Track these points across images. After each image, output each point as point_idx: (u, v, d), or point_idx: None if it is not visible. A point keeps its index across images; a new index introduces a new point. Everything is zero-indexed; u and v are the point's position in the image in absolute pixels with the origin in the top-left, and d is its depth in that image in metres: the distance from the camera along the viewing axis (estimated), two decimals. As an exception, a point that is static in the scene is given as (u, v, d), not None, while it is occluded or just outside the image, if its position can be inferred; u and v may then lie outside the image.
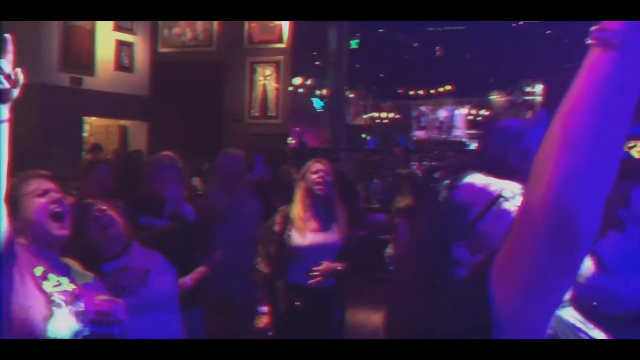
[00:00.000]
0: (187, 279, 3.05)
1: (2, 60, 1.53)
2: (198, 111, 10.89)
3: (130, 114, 10.96)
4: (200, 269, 3.16)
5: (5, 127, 1.58)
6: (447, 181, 1.39)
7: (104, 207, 2.47)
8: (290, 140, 11.58)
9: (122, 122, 11.37)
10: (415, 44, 17.57)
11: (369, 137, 19.41)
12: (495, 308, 1.06)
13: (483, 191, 1.31)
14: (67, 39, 9.79)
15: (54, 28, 9.50)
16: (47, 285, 1.72)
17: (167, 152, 3.60)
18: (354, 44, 13.23)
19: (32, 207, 1.81)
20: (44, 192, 1.84)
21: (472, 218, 1.27)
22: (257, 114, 10.87)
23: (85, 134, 10.54)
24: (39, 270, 1.74)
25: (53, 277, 1.75)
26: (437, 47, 17.89)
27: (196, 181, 7.01)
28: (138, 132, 11.35)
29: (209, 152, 8.31)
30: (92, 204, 2.47)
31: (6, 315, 1.64)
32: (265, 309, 3.26)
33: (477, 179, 1.37)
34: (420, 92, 20.33)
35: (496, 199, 1.28)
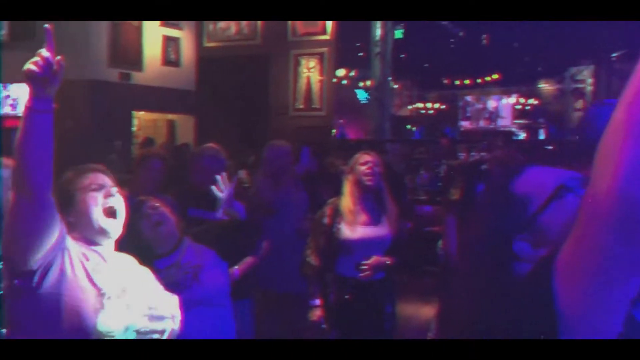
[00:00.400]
0: (235, 270, 3.07)
1: (43, 49, 1.53)
2: (243, 104, 10.96)
3: (178, 108, 11.12)
4: (248, 260, 3.17)
5: (51, 118, 1.58)
6: (499, 172, 1.35)
7: (157, 204, 2.48)
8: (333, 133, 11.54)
9: (170, 116, 11.55)
10: (461, 33, 17.25)
11: (414, 128, 19.19)
12: (561, 306, 1.01)
13: (544, 182, 1.26)
14: (116, 35, 9.99)
15: (102, 25, 9.70)
16: (99, 279, 1.73)
17: (210, 144, 3.63)
18: (398, 33, 13.06)
19: (87, 201, 1.81)
20: (99, 187, 1.83)
21: (533, 211, 1.22)
22: (301, 106, 10.88)
23: (134, 129, 10.75)
24: (91, 264, 1.76)
25: (105, 271, 1.76)
26: (484, 36, 17.52)
27: (242, 174, 7.06)
28: (185, 126, 11.52)
29: (254, 145, 8.37)
30: (145, 201, 2.49)
31: (57, 308, 1.66)
32: (317, 302, 3.24)
33: (537, 169, 1.32)
34: (467, 81, 19.97)
35: (558, 190, 1.23)
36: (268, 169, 4.22)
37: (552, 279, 1.03)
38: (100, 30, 9.74)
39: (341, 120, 13.54)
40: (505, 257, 1.23)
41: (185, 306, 1.90)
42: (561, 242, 1.06)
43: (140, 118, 11.20)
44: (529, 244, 1.20)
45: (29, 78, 1.51)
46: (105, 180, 1.87)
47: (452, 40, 17.77)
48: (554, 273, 1.03)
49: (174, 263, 2.41)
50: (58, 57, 1.54)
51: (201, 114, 11.22)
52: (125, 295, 1.73)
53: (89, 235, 1.81)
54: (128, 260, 1.94)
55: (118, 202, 1.86)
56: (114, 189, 1.87)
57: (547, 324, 1.04)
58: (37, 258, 1.64)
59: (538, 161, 1.39)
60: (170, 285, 2.07)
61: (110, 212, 1.83)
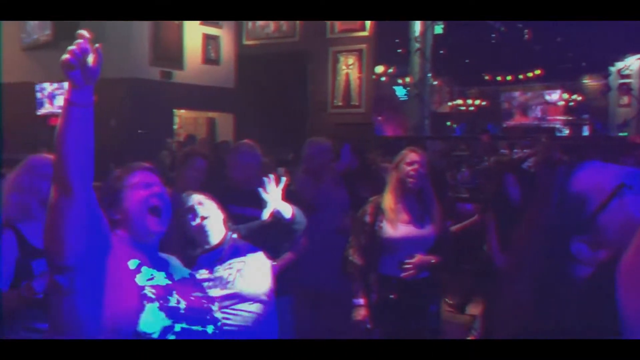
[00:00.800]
0: (273, 266, 3.06)
1: (79, 39, 1.51)
2: (282, 102, 10.98)
3: (218, 105, 11.21)
4: (287, 256, 3.15)
5: (91, 112, 1.55)
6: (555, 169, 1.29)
7: (203, 199, 2.48)
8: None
9: (210, 114, 11.66)
10: (503, 28, 16.91)
11: (454, 125, 18.94)
12: (624, 312, 0.96)
13: (602, 180, 1.19)
14: (157, 34, 10.12)
15: (144, 24, 9.84)
16: (140, 279, 1.70)
17: (245, 140, 3.65)
18: (438, 29, 12.86)
19: (132, 199, 1.79)
20: (146, 185, 1.82)
21: (591, 210, 1.16)
22: (340, 104, 10.83)
23: (175, 126, 10.88)
24: (133, 263, 1.73)
25: (147, 271, 1.73)
26: (526, 30, 17.14)
27: (281, 171, 7.05)
28: (225, 124, 11.61)
29: (293, 142, 8.37)
30: (193, 195, 2.49)
31: (97, 307, 1.64)
32: (361, 301, 3.20)
33: (594, 165, 1.25)
34: (508, 77, 19.60)
35: (618, 188, 1.16)
36: (308, 166, 4.20)
37: (615, 283, 0.97)
38: (142, 29, 9.88)
39: (379, 118, 13.45)
40: (563, 258, 1.17)
41: (227, 304, 1.88)
42: (621, 243, 1.00)
43: (181, 116, 11.33)
44: (587, 246, 1.14)
45: (66, 67, 1.49)
46: (153, 178, 1.85)
47: (493, 35, 17.44)
48: (618, 277, 0.98)
49: (219, 258, 2.40)
50: (96, 45, 1.52)
51: (240, 112, 11.29)
52: (165, 296, 1.71)
53: (133, 233, 1.79)
54: (174, 260, 1.92)
55: (164, 201, 1.83)
56: (161, 188, 1.85)
57: (609, 330, 0.98)
58: (77, 254, 1.63)
59: (584, 158, 1.32)
60: (214, 281, 2.05)
61: (156, 211, 1.80)
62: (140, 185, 1.81)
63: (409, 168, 3.22)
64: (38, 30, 10.30)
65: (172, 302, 1.71)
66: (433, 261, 3.20)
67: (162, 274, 1.77)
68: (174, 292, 1.74)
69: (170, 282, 1.75)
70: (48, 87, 10.64)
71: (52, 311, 1.72)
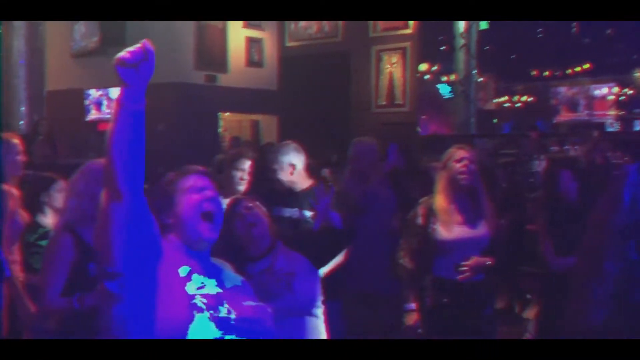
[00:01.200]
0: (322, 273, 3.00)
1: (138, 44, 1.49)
2: (325, 102, 10.95)
3: (261, 108, 11.25)
4: (335, 259, 3.09)
5: (142, 114, 1.53)
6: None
7: (251, 204, 2.42)
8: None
9: (254, 116, 11.72)
10: (549, 21, 16.49)
11: (503, 122, 18.55)
12: None
13: None
14: (201, 38, 10.22)
15: (189, 28, 9.94)
16: (191, 287, 1.65)
17: (288, 141, 3.63)
18: (483, 24, 12.61)
19: (185, 203, 1.75)
20: (199, 190, 1.78)
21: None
22: (383, 103, 10.73)
23: (220, 130, 10.98)
24: (184, 270, 1.68)
25: (198, 279, 1.67)
26: (574, 23, 16.67)
27: (325, 172, 7.02)
28: (269, 126, 11.64)
29: (336, 143, 8.30)
30: (241, 200, 2.44)
31: (147, 315, 1.60)
32: (413, 305, 3.11)
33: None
34: (556, 72, 19.08)
35: None
36: (354, 166, 4.14)
37: None
38: (186, 33, 9.99)
39: (424, 116, 13.26)
40: (628, 260, 1.09)
41: (277, 316, 1.81)
42: None
43: (226, 119, 11.42)
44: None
45: (121, 65, 1.48)
46: (206, 182, 1.81)
47: (539, 29, 17.03)
48: None
49: (267, 268, 2.33)
50: (144, 40, 1.50)
51: (284, 113, 11.30)
52: (216, 306, 1.65)
53: (185, 239, 1.75)
54: (226, 267, 1.87)
55: (217, 206, 1.78)
56: (214, 192, 1.81)
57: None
58: (127, 260, 1.60)
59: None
60: (263, 293, 1.99)
61: (208, 216, 1.76)
62: (193, 190, 1.77)
63: (458, 165, 3.12)
64: (86, 37, 10.53)
65: (223, 312, 1.65)
66: (488, 263, 3.09)
67: (213, 282, 1.70)
68: (225, 301, 1.67)
69: (221, 291, 1.69)
70: (95, 93, 10.87)
71: (101, 319, 1.70)
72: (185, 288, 1.64)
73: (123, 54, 1.48)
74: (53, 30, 9.72)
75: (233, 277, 1.83)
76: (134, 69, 1.48)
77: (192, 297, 1.63)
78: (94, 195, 2.42)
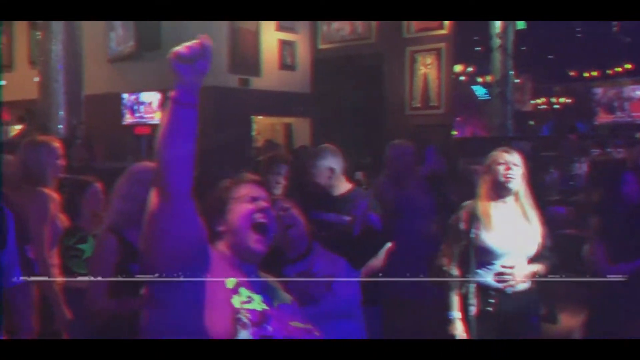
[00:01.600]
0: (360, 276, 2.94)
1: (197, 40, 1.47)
2: (358, 104, 10.88)
3: (294, 111, 11.24)
4: (372, 264, 3.02)
5: (195, 113, 1.50)
6: None
7: (288, 205, 2.38)
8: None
9: (287, 119, 11.71)
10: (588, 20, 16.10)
11: (538, 124, 18.20)
12: None
13: None
14: (234, 41, 10.26)
15: (222, 31, 9.99)
16: (237, 300, 1.59)
17: (326, 144, 3.59)
18: (520, 24, 12.37)
19: (238, 212, 1.70)
20: (253, 200, 1.73)
21: None
22: (418, 105, 10.61)
23: (253, 133, 11.00)
24: (231, 282, 1.62)
25: (244, 292, 1.61)
26: (615, 22, 16.25)
27: (359, 175, 6.96)
28: (302, 129, 11.62)
29: (370, 145, 8.24)
30: (276, 202, 2.39)
31: (190, 325, 1.55)
32: (457, 314, 3.02)
33: None
34: (595, 73, 18.63)
35: None
36: (391, 170, 4.07)
37: None
38: (220, 37, 10.04)
39: (459, 118, 13.09)
40: None
41: (317, 320, 1.75)
42: None
43: (259, 122, 11.44)
44: None
45: (178, 59, 1.45)
46: (261, 192, 1.76)
47: (578, 29, 16.66)
48: None
49: (305, 271, 2.29)
50: (202, 36, 1.48)
51: (317, 116, 11.27)
52: (261, 324, 1.59)
53: (234, 249, 1.70)
54: (274, 283, 1.81)
55: (270, 218, 1.73)
56: (269, 203, 1.75)
57: None
58: (172, 265, 1.56)
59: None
60: (303, 297, 1.93)
61: (260, 228, 1.70)
62: (247, 199, 1.71)
63: (502, 169, 3.02)
64: (122, 42, 10.68)
65: (267, 331, 1.58)
66: (534, 270, 2.98)
67: (260, 298, 1.64)
68: (271, 319, 1.60)
69: (267, 308, 1.62)
70: (131, 97, 11.00)
71: (143, 324, 1.65)
72: (231, 301, 1.58)
73: (180, 48, 1.45)
74: (90, 35, 9.87)
75: (281, 295, 1.76)
76: (190, 65, 1.46)
77: (237, 311, 1.57)
78: (138, 198, 2.42)
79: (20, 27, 12.29)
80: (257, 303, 1.61)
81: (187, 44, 1.45)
